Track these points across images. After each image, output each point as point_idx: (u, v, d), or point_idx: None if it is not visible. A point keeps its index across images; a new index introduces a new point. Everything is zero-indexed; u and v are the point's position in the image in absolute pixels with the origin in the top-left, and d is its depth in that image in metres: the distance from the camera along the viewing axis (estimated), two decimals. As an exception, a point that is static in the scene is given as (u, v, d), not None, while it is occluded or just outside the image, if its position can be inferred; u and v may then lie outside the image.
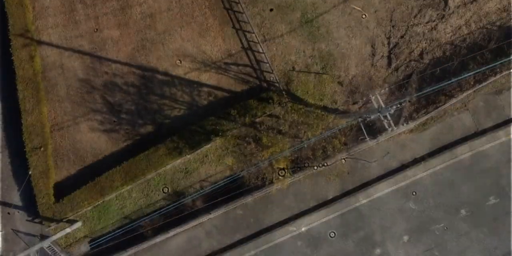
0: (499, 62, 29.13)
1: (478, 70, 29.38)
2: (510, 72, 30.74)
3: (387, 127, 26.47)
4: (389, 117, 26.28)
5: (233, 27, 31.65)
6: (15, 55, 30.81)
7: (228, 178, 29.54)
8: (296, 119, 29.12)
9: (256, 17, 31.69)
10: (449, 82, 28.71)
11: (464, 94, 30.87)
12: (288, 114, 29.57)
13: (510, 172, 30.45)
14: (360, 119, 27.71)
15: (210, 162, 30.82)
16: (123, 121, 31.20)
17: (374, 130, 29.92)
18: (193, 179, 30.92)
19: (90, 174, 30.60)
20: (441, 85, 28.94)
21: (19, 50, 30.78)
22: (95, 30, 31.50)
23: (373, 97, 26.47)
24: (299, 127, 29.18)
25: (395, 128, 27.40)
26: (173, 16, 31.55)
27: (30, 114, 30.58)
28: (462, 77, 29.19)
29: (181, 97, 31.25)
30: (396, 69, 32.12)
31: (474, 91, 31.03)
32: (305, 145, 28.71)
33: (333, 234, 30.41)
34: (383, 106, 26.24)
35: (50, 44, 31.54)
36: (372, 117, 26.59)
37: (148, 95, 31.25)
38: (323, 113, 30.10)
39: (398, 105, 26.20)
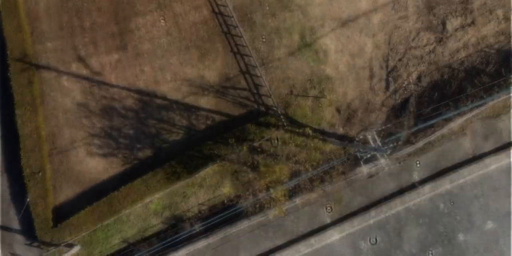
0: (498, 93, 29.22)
1: (477, 103, 29.54)
2: (508, 97, 30.83)
3: (383, 166, 26.63)
4: (386, 156, 26.51)
5: (232, 51, 31.70)
6: (13, 80, 30.84)
7: (226, 211, 29.63)
8: (294, 149, 29.19)
9: (254, 40, 31.73)
10: (441, 117, 29.05)
11: (462, 119, 30.95)
12: (286, 145, 29.68)
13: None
14: (358, 155, 27.83)
15: (208, 186, 30.84)
16: (122, 145, 31.23)
17: (372, 157, 29.94)
18: (191, 203, 30.95)
19: (89, 198, 30.62)
20: (438, 118, 29.31)
21: (18, 74, 30.83)
22: (94, 54, 31.53)
23: (370, 136, 26.52)
24: (297, 157, 29.26)
25: (391, 166, 27.79)
26: (172, 40, 31.60)
27: (28, 139, 30.61)
28: (461, 110, 29.38)
29: (179, 121, 31.29)
30: (394, 92, 32.17)
31: (472, 115, 31.12)
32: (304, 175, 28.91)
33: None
34: (379, 145, 26.33)
35: (48, 68, 31.58)
36: (369, 155, 26.72)
37: (147, 119, 31.29)
38: (320, 141, 30.11)
39: (395, 144, 26.39)
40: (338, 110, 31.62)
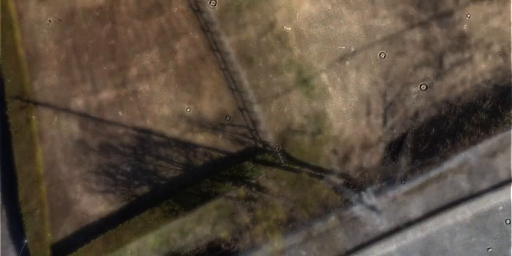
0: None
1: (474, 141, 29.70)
2: (504, 134, 30.90)
3: (377, 223, 26.85)
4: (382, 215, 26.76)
5: (229, 87, 31.77)
6: (11, 118, 30.97)
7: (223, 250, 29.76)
8: (290, 193, 29.31)
9: (252, 77, 31.81)
10: (438, 155, 29.17)
11: (459, 157, 31.00)
12: (282, 187, 29.80)
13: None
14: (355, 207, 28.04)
15: (205, 223, 30.94)
16: (119, 182, 31.32)
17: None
18: (189, 239, 31.04)
19: (87, 235, 30.76)
20: (435, 156, 29.40)
21: (16, 112, 30.96)
22: (92, 91, 31.61)
23: (365, 194, 26.63)
24: (294, 203, 29.43)
25: (386, 224, 28.09)
26: (169, 77, 31.69)
27: (26, 177, 30.75)
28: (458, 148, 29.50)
29: (177, 158, 31.37)
30: (392, 128, 32.23)
31: (469, 153, 31.17)
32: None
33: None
34: (375, 202, 26.45)
35: (46, 105, 31.68)
36: (364, 210, 26.93)
37: (144, 156, 31.37)
38: (317, 183, 30.21)
39: (391, 203, 26.57)
40: (335, 147, 31.68)
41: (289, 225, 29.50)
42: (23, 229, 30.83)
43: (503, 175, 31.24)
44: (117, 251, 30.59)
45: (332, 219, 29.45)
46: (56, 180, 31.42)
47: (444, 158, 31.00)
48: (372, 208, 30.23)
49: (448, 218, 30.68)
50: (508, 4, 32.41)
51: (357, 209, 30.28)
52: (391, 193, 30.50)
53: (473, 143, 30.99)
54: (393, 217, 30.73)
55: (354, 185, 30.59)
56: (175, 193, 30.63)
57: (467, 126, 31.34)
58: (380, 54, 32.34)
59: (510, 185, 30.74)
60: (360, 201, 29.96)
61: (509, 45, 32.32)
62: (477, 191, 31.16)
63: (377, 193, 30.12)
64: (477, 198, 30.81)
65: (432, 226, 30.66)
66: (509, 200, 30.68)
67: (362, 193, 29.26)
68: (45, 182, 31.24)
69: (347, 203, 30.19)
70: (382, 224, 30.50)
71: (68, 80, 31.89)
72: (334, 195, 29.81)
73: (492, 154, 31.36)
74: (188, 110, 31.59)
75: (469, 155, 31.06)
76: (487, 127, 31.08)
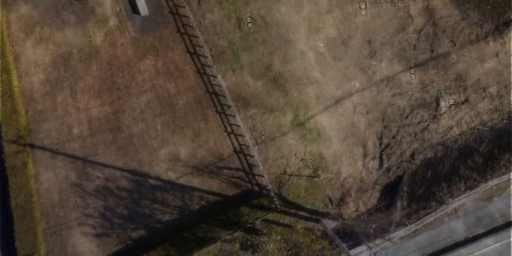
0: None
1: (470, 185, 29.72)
2: (500, 179, 30.88)
3: None
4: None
5: (225, 130, 31.78)
6: (7, 162, 30.98)
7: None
8: (286, 241, 29.32)
9: (248, 120, 31.80)
10: (434, 199, 29.18)
11: (455, 201, 31.00)
12: (279, 234, 29.85)
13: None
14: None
15: (201, 266, 31.00)
16: (115, 225, 31.30)
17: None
18: (185, 283, 31.06)
19: (82, 279, 30.81)
20: (431, 199, 29.42)
21: (12, 157, 30.98)
22: (88, 134, 31.63)
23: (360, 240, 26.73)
24: (290, 251, 29.41)
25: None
26: (166, 121, 31.69)
27: (22, 221, 30.73)
28: (454, 192, 29.51)
29: (173, 201, 31.37)
30: (388, 170, 32.26)
31: (465, 197, 31.17)
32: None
33: None
34: (370, 246, 26.48)
35: (43, 148, 31.68)
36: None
37: (140, 199, 31.37)
38: (312, 236, 30.25)
39: (386, 248, 26.50)
40: (331, 190, 31.70)
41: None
42: (19, 273, 30.88)
43: (499, 220, 31.26)
44: (113, 295, 30.63)
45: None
46: (52, 223, 31.40)
47: (440, 202, 30.99)
48: (367, 254, 30.28)
49: (444, 264, 30.75)
50: (505, 46, 32.48)
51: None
52: (386, 238, 30.47)
53: (469, 187, 30.97)
54: (389, 263, 30.86)
55: (349, 230, 30.59)
56: (171, 237, 30.61)
57: (463, 170, 31.35)
58: (376, 96, 32.36)
59: (506, 230, 30.76)
60: (355, 247, 29.97)
61: (505, 87, 32.38)
62: (472, 236, 31.19)
63: (372, 238, 30.06)
64: (473, 243, 30.82)
65: (427, 271, 30.77)
66: (506, 245, 30.69)
67: (357, 239, 29.21)
68: (41, 225, 31.23)
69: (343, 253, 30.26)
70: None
71: (64, 123, 31.86)
72: (329, 249, 29.84)
73: (488, 198, 31.39)
74: (184, 153, 31.58)
75: (465, 200, 31.07)
76: (483, 171, 31.08)
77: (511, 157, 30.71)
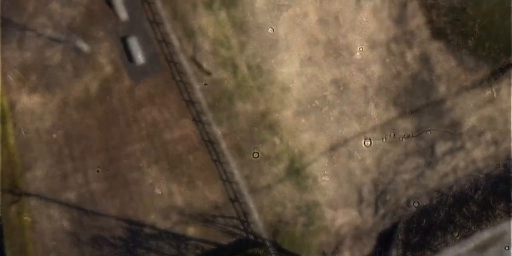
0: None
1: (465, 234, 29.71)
2: (495, 228, 30.90)
3: None
4: None
5: (221, 178, 31.81)
6: (2, 212, 31.01)
7: None
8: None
9: (244, 167, 31.85)
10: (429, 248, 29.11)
11: (450, 251, 31.02)
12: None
13: None
14: None
15: None
16: (110, 274, 31.39)
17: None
18: None
19: None
20: (426, 248, 29.33)
21: (7, 206, 31.00)
22: (83, 182, 31.67)
23: None
24: None
25: None
26: (161, 170, 31.73)
27: (17, 271, 30.83)
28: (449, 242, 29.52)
29: (168, 250, 31.39)
30: (383, 217, 32.27)
31: (460, 247, 31.20)
32: None
33: None
34: None
35: (38, 197, 31.71)
36: None
37: (135, 248, 31.39)
38: None
39: None
40: (326, 237, 31.73)
41: None
42: None
43: (493, 269, 31.36)
44: None
45: None
46: (48, 272, 31.48)
47: (435, 251, 31.01)
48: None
49: None
50: (500, 92, 32.51)
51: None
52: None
53: (464, 236, 31.00)
54: None
55: (344, 279, 30.66)
56: (166, 286, 30.71)
57: (458, 218, 31.35)
58: (372, 142, 32.40)
59: (501, 280, 30.84)
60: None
61: (501, 134, 32.40)
62: (468, 286, 31.26)
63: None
64: (468, 293, 30.91)
65: None
66: (501, 294, 30.78)
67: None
68: (36, 274, 31.31)
69: None
70: None
71: (60, 171, 31.91)
72: None
73: (483, 248, 31.40)
74: (180, 201, 31.62)
75: (460, 249, 31.08)
76: (478, 220, 31.07)
77: (506, 207, 30.75)
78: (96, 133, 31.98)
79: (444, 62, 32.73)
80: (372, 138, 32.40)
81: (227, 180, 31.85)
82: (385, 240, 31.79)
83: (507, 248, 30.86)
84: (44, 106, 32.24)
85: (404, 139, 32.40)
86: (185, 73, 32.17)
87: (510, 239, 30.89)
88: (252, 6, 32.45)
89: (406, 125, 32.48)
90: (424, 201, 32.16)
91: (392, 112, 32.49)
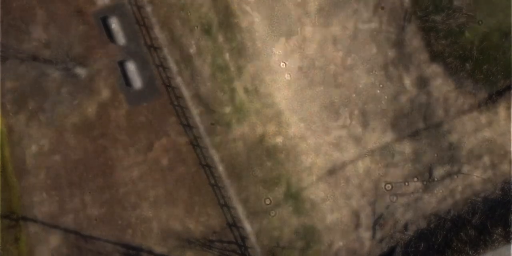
0: None
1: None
2: (493, 253, 30.90)
3: None
4: None
5: (218, 203, 31.81)
6: (0, 238, 31.06)
7: None
8: None
9: (241, 192, 31.86)
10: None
11: (448, 276, 31.07)
12: None
13: None
14: None
15: None
16: (108, 298, 31.41)
17: None
18: None
19: None
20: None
21: (5, 232, 31.03)
22: (81, 208, 31.69)
23: None
24: None
25: None
26: (158, 194, 31.76)
27: (15, 296, 30.86)
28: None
29: (166, 275, 31.47)
30: (381, 241, 32.25)
31: (458, 271, 31.25)
32: None
33: None
34: None
35: (35, 222, 31.74)
36: None
37: (133, 273, 31.47)
38: None
39: None
40: (324, 262, 31.80)
41: None
42: None
43: (491, 295, 31.31)
44: None
45: None
46: (45, 297, 31.51)
47: (433, 276, 31.04)
48: None
49: None
50: (498, 115, 32.46)
51: None
52: None
53: (462, 261, 31.03)
54: None
55: (342, 305, 30.64)
56: None
57: (456, 243, 31.30)
58: (369, 166, 32.37)
59: (498, 305, 30.79)
60: None
61: (498, 157, 32.37)
62: None
63: None
64: None
65: None
66: None
67: None
68: (34, 299, 31.35)
69: None
70: None
71: (57, 196, 31.94)
72: None
73: (481, 273, 31.44)
74: (177, 226, 31.63)
75: (458, 274, 31.12)
76: (476, 245, 31.03)
77: (504, 231, 30.72)
78: (93, 158, 32.00)
79: (442, 85, 32.69)
80: (369, 162, 32.37)
81: (224, 204, 31.85)
82: (382, 264, 31.84)
83: (505, 273, 30.89)
84: (42, 131, 32.26)
85: (401, 162, 32.39)
86: (183, 98, 32.17)
87: (508, 265, 30.98)
88: (250, 33, 32.51)
89: (403, 148, 32.45)
90: (422, 225, 32.14)
91: (389, 136, 32.45)
